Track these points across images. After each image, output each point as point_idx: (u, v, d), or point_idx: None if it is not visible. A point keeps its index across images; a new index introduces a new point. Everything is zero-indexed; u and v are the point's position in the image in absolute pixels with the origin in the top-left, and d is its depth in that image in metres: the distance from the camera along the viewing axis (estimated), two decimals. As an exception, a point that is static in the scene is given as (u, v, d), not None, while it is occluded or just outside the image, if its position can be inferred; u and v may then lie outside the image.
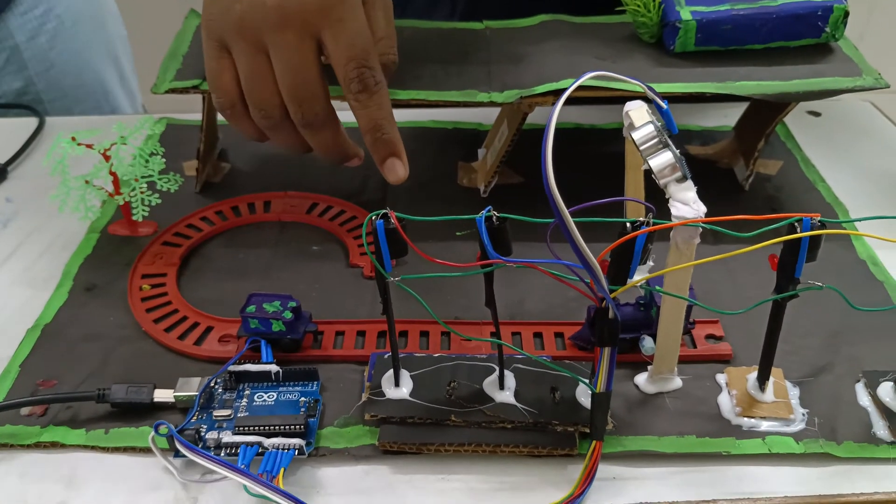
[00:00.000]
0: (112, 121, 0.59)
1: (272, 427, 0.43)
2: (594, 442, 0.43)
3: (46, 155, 0.56)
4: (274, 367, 0.47)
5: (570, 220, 0.35)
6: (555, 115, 0.35)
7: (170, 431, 0.42)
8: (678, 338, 0.45)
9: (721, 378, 0.48)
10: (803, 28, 0.58)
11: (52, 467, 0.44)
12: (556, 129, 0.76)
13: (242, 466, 0.41)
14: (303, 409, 0.45)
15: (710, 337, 0.51)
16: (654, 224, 0.39)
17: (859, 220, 0.42)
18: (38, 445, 0.44)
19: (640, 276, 0.42)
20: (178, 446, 0.42)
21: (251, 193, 0.64)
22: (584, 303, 0.48)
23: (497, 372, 0.45)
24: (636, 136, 0.42)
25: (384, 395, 0.45)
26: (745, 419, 0.45)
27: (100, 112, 0.93)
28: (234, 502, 0.41)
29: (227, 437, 0.43)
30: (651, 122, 0.42)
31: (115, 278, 0.56)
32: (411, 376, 0.46)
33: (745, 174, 0.65)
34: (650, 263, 0.55)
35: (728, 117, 0.73)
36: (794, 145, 0.73)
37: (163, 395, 0.46)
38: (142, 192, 0.58)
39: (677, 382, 0.47)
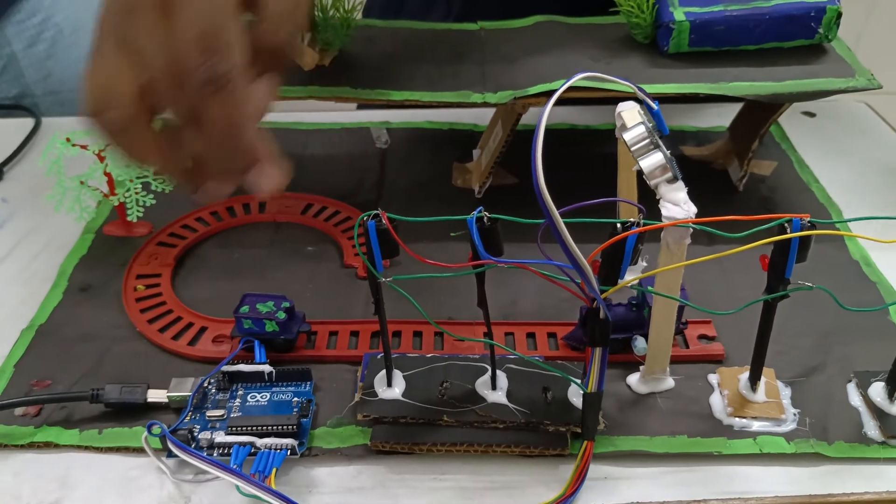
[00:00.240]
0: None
1: (265, 427, 0.43)
2: (586, 442, 0.43)
3: (42, 155, 0.56)
4: (267, 368, 0.47)
5: (560, 221, 0.35)
6: (544, 117, 0.35)
7: (162, 431, 0.42)
8: (670, 338, 0.46)
9: (713, 378, 0.48)
10: (796, 29, 0.59)
11: (46, 467, 0.44)
12: (551, 130, 0.76)
13: (235, 466, 0.41)
14: (296, 410, 0.45)
15: (702, 337, 0.51)
16: (645, 225, 0.39)
17: (851, 220, 0.42)
18: (32, 445, 0.45)
19: (632, 277, 0.42)
20: (171, 446, 0.42)
21: (246, 194, 0.64)
22: (577, 303, 0.48)
23: (489, 372, 0.45)
24: (627, 137, 0.42)
25: (377, 396, 0.45)
26: (737, 419, 0.45)
27: None
28: (226, 502, 0.41)
29: (220, 437, 0.43)
30: (642, 122, 0.42)
31: (109, 279, 0.56)
32: (404, 376, 0.46)
33: (739, 175, 0.66)
34: (643, 264, 0.55)
35: (722, 118, 0.73)
36: (789, 146, 0.73)
37: (156, 395, 0.46)
38: (136, 193, 0.58)
39: (669, 382, 0.48)
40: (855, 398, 0.47)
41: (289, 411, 0.45)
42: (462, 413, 0.44)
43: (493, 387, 0.45)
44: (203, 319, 0.52)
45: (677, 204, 0.40)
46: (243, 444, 0.43)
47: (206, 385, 0.47)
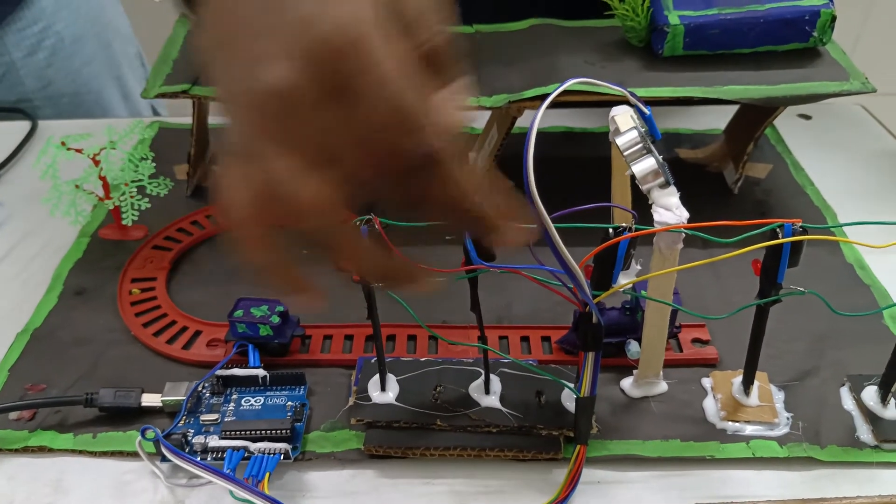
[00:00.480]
0: (104, 125, 0.59)
1: (259, 431, 0.43)
2: (578, 446, 0.43)
3: (36, 159, 0.56)
4: (261, 372, 0.47)
5: (552, 226, 0.35)
6: (535, 123, 0.36)
7: (157, 436, 0.42)
8: (663, 342, 0.46)
9: (706, 382, 0.48)
10: (791, 32, 0.59)
11: (40, 471, 0.44)
12: (547, 133, 0.76)
13: (228, 471, 0.41)
14: (289, 414, 0.45)
15: (696, 341, 0.51)
16: (637, 230, 0.39)
17: (844, 224, 0.42)
18: (27, 450, 0.45)
19: (626, 281, 0.42)
20: (165, 451, 0.42)
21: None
22: (571, 307, 0.48)
23: (483, 376, 0.45)
24: (620, 141, 0.42)
25: (370, 400, 0.45)
26: (730, 423, 0.45)
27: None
28: (219, 506, 0.42)
29: (214, 441, 0.43)
30: (635, 127, 0.42)
31: (105, 282, 0.56)
32: (398, 380, 0.46)
33: (735, 178, 0.66)
34: (637, 267, 0.55)
35: (718, 121, 0.73)
36: (784, 149, 0.73)
37: (150, 399, 0.46)
38: (132, 197, 0.58)
39: (663, 386, 0.48)
40: (848, 402, 0.47)
41: (282, 415, 0.45)
42: (455, 417, 0.44)
43: (487, 391, 0.45)
44: (198, 323, 0.52)
45: (669, 209, 0.40)
46: (237, 449, 0.43)
47: (200, 389, 0.47)
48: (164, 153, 0.66)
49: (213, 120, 0.69)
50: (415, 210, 0.33)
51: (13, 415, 0.46)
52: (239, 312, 0.48)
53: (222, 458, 0.43)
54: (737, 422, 0.45)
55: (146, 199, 0.58)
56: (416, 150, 0.29)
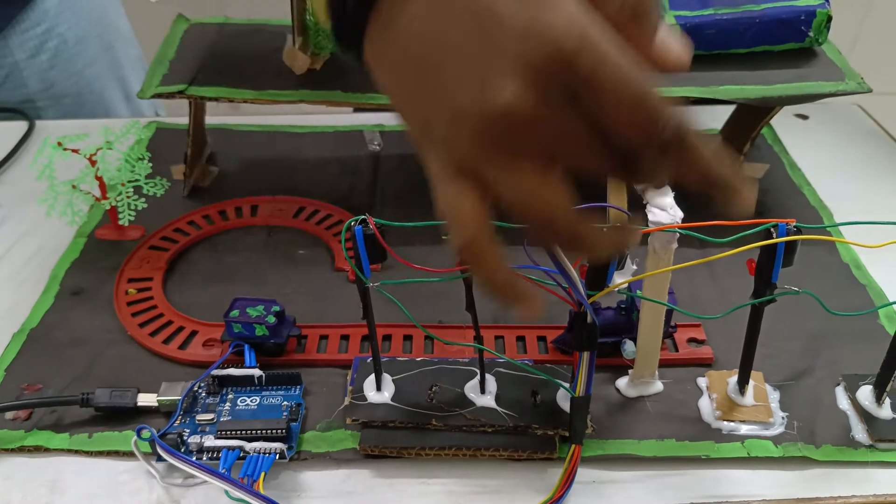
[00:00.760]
0: (101, 125, 0.59)
1: (254, 431, 0.43)
2: (573, 446, 0.43)
3: (33, 159, 0.56)
4: (257, 372, 0.47)
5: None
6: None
7: (152, 436, 0.43)
8: (658, 342, 0.46)
9: (702, 381, 0.48)
10: (787, 32, 0.59)
11: (36, 471, 0.44)
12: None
13: (223, 471, 0.42)
14: (285, 414, 0.45)
15: (691, 341, 0.51)
16: (631, 230, 0.39)
17: (839, 224, 0.42)
18: (22, 449, 0.45)
19: (621, 280, 0.42)
20: (160, 451, 0.42)
21: (239, 197, 0.64)
22: (567, 307, 0.48)
23: (479, 376, 0.45)
24: (614, 141, 0.42)
25: (366, 400, 0.45)
26: (725, 423, 0.45)
27: None
28: (215, 506, 0.42)
29: (210, 441, 0.43)
30: (630, 127, 0.42)
31: (101, 282, 0.56)
32: (393, 380, 0.46)
33: (731, 178, 0.66)
34: (633, 267, 0.55)
35: (716, 121, 0.73)
36: (781, 148, 0.73)
37: (146, 399, 0.46)
38: (128, 197, 0.58)
39: (658, 386, 0.48)
40: (843, 401, 0.47)
41: (278, 415, 0.45)
42: (451, 417, 0.44)
43: (482, 391, 0.45)
44: (194, 323, 0.52)
45: (664, 209, 0.40)
46: (232, 449, 0.43)
47: (196, 389, 0.47)
48: (160, 153, 0.66)
49: (209, 120, 0.70)
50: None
51: (9, 414, 0.46)
52: (235, 312, 0.49)
53: (218, 458, 0.43)
54: (732, 421, 0.45)
55: (143, 200, 0.58)
56: (662, 134, 0.29)
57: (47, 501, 0.42)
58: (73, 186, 0.57)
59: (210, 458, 0.43)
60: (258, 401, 0.46)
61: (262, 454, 0.43)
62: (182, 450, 0.43)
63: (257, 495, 0.40)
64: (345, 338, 0.51)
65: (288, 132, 0.75)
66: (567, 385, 0.43)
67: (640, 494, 0.43)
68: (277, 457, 0.43)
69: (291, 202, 0.64)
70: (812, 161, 0.71)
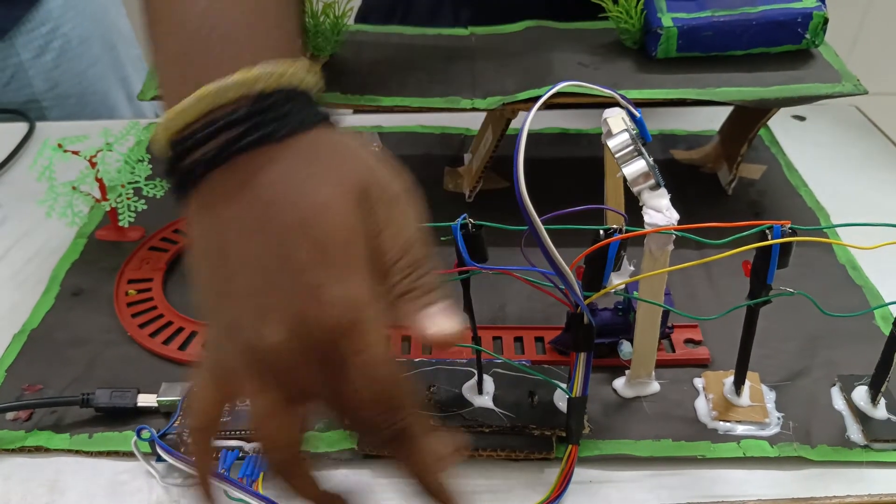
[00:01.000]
0: (101, 127, 0.60)
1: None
2: (570, 446, 0.43)
3: (33, 161, 0.57)
4: (256, 372, 0.47)
5: (542, 229, 0.36)
6: (525, 128, 0.36)
7: (152, 436, 0.43)
8: (655, 342, 0.46)
9: (698, 382, 0.49)
10: (783, 35, 0.59)
11: (36, 471, 0.44)
12: (543, 134, 0.76)
13: (222, 471, 0.42)
14: (284, 414, 0.45)
15: (688, 341, 0.51)
16: (627, 231, 0.39)
17: (835, 226, 0.42)
18: (23, 450, 0.45)
19: (619, 281, 0.42)
20: (160, 451, 0.42)
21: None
22: (565, 308, 0.48)
23: (476, 376, 0.46)
24: (611, 144, 0.42)
25: (364, 400, 0.45)
26: (721, 423, 0.46)
27: None
28: (214, 506, 0.42)
29: (209, 441, 0.44)
30: (626, 130, 0.43)
31: (101, 283, 0.56)
32: (391, 381, 0.46)
33: (729, 179, 0.66)
34: (630, 268, 0.55)
35: (714, 122, 0.74)
36: (779, 150, 0.73)
37: (146, 399, 0.46)
38: (128, 198, 0.58)
39: (655, 387, 0.48)
40: (838, 402, 0.47)
41: (277, 416, 0.45)
42: (449, 417, 0.44)
43: (480, 391, 0.46)
44: (194, 324, 0.52)
45: (660, 210, 0.40)
46: (231, 449, 0.43)
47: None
48: (160, 155, 0.66)
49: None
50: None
51: (10, 415, 0.46)
52: (234, 313, 0.49)
53: (217, 458, 0.43)
54: (728, 422, 0.46)
55: (143, 201, 0.59)
56: (390, 428, 0.32)
57: (47, 501, 0.43)
58: (74, 188, 0.57)
59: (209, 459, 0.43)
60: (257, 401, 0.46)
61: (261, 454, 0.43)
62: (182, 450, 0.44)
63: (256, 495, 0.40)
64: (343, 338, 0.51)
65: (287, 133, 0.75)
66: (564, 386, 0.43)
67: (636, 494, 0.43)
68: (276, 457, 0.43)
69: (290, 203, 0.64)
70: (809, 162, 0.71)
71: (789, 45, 0.60)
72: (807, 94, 0.56)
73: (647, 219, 0.40)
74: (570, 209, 0.40)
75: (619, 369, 0.49)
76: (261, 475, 0.42)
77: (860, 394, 0.47)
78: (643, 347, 0.46)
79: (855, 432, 0.45)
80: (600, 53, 0.62)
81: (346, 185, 0.32)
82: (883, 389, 0.45)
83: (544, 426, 0.44)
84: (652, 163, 0.41)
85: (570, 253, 0.38)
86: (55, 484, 0.43)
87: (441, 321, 0.32)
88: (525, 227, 0.37)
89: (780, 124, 0.77)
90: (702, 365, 0.50)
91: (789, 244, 0.40)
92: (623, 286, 0.48)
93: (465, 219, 0.39)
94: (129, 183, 0.58)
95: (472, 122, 0.73)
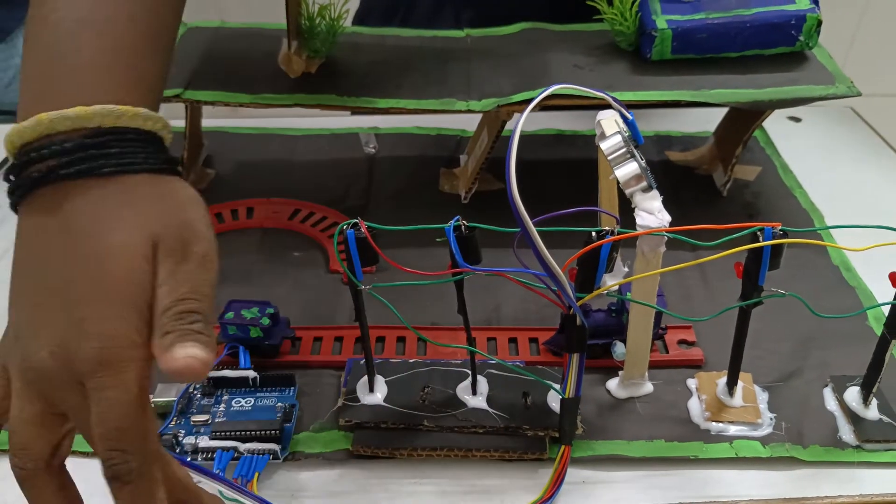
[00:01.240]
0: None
1: (248, 432, 0.44)
2: (563, 446, 0.43)
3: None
4: (251, 373, 0.47)
5: (534, 230, 0.36)
6: (517, 131, 0.36)
7: (147, 436, 0.43)
8: (648, 343, 0.46)
9: (692, 383, 0.49)
10: (778, 37, 0.59)
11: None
12: (538, 136, 0.77)
13: (218, 471, 0.42)
14: (279, 415, 0.46)
15: (682, 342, 0.51)
16: (620, 233, 0.40)
17: (829, 227, 0.43)
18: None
19: (613, 282, 0.43)
20: (155, 451, 0.43)
21: (235, 200, 0.65)
22: (560, 309, 0.49)
23: (470, 377, 0.46)
24: (604, 146, 0.43)
25: (359, 401, 0.46)
26: (714, 423, 0.46)
27: None
28: (209, 506, 0.42)
29: (204, 441, 0.44)
30: (619, 132, 0.43)
31: (98, 284, 0.56)
32: (386, 382, 0.47)
33: (724, 180, 0.66)
34: (625, 269, 0.55)
35: (709, 123, 0.74)
36: (774, 151, 0.73)
37: (142, 400, 0.46)
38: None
39: (648, 387, 0.48)
40: (831, 402, 0.48)
41: (272, 416, 0.45)
42: (443, 418, 0.45)
43: (474, 392, 0.46)
44: (189, 325, 0.52)
45: (651, 212, 0.40)
46: (226, 449, 0.43)
47: (191, 390, 0.47)
48: (157, 156, 0.66)
49: (205, 122, 0.70)
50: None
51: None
52: (230, 314, 0.49)
53: (212, 459, 0.43)
54: (721, 422, 0.46)
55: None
56: (120, 465, 0.33)
57: (44, 501, 0.43)
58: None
59: (205, 459, 0.44)
60: (253, 402, 0.47)
61: (256, 455, 0.43)
62: (177, 451, 0.44)
63: (251, 495, 0.41)
64: (339, 339, 0.52)
65: (284, 135, 0.76)
66: (557, 386, 0.44)
67: (629, 494, 0.43)
68: (271, 457, 0.43)
69: (287, 204, 0.64)
70: (804, 164, 0.72)
71: (783, 47, 0.60)
72: (800, 95, 0.57)
73: (638, 221, 0.40)
74: (563, 211, 0.40)
75: (613, 370, 0.49)
76: (255, 475, 0.42)
77: (852, 394, 0.47)
78: (636, 348, 0.46)
79: (847, 433, 0.46)
80: (595, 55, 0.62)
81: (143, 234, 0.34)
82: (874, 390, 0.46)
83: (538, 427, 0.44)
84: (644, 165, 0.41)
85: (563, 254, 0.39)
86: (51, 484, 0.43)
87: (190, 349, 0.33)
88: (517, 230, 0.38)
89: (775, 126, 0.77)
90: (695, 366, 0.50)
91: (780, 246, 0.40)
92: (616, 287, 0.48)
93: (458, 221, 0.40)
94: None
95: (468, 123, 0.74)
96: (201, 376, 0.33)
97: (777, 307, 0.46)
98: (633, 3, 0.60)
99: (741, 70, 0.59)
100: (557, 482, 0.43)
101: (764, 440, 0.45)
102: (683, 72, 0.59)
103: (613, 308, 0.50)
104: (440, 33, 0.68)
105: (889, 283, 0.42)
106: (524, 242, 0.37)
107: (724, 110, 0.70)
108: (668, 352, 0.51)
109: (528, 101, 0.55)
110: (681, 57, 0.60)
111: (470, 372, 0.46)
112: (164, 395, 0.47)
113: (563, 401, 0.43)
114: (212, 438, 0.44)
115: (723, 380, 0.47)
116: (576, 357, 0.42)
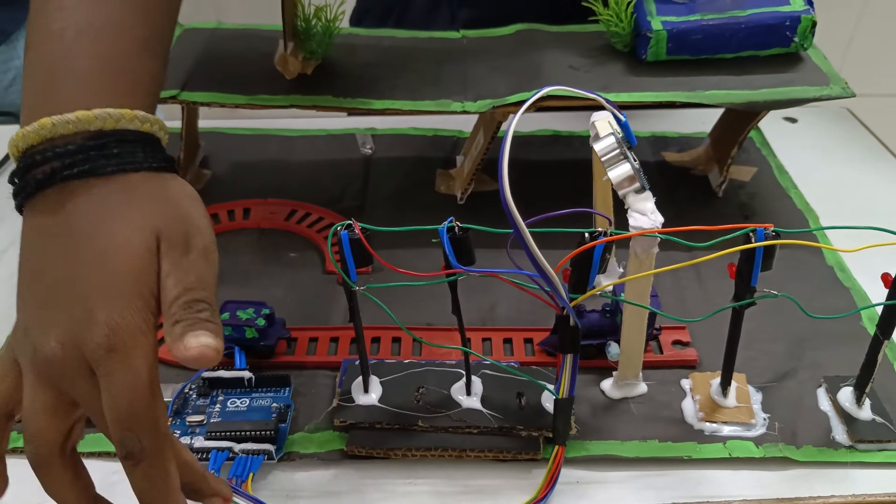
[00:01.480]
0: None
1: (243, 432, 0.44)
2: (557, 446, 0.44)
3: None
4: (247, 374, 0.47)
5: (527, 232, 0.36)
6: (510, 132, 0.36)
7: (142, 437, 0.43)
8: (641, 344, 0.46)
9: (686, 383, 0.49)
10: (772, 38, 0.59)
11: (29, 472, 0.44)
12: (534, 137, 0.77)
13: (212, 471, 0.42)
14: (274, 415, 0.46)
15: (676, 343, 0.51)
16: (612, 234, 0.40)
17: (822, 228, 0.43)
18: (16, 450, 0.45)
19: (607, 283, 0.43)
20: (150, 451, 0.43)
21: (231, 201, 0.65)
22: (554, 309, 0.49)
23: (465, 378, 0.46)
24: (597, 147, 0.43)
25: (354, 401, 0.46)
26: (708, 424, 0.46)
27: None
28: (204, 506, 0.42)
29: (199, 442, 0.44)
30: (612, 133, 0.43)
31: (94, 285, 0.56)
32: (381, 382, 0.47)
33: (719, 181, 0.66)
34: (619, 270, 0.56)
35: (705, 124, 0.74)
36: (769, 152, 0.74)
37: (137, 400, 0.46)
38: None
39: (642, 388, 0.48)
40: (824, 403, 0.48)
41: (267, 417, 0.46)
42: (437, 418, 0.45)
43: (468, 392, 0.46)
44: (185, 326, 0.53)
45: (644, 213, 0.40)
46: (221, 450, 0.43)
47: (186, 391, 0.47)
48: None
49: (202, 123, 0.70)
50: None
51: (2, 416, 0.47)
52: (225, 315, 0.49)
53: (207, 459, 0.43)
54: (714, 422, 0.46)
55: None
56: (134, 443, 0.34)
57: (39, 502, 0.43)
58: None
59: (200, 459, 0.44)
60: (248, 402, 0.47)
61: (250, 455, 0.43)
62: (172, 451, 0.44)
63: (246, 496, 0.41)
64: (334, 340, 0.52)
65: (280, 135, 0.76)
66: (551, 387, 0.44)
67: (623, 494, 0.43)
68: (266, 458, 0.44)
69: (283, 205, 0.64)
70: (800, 164, 0.72)
71: (778, 48, 0.60)
72: (795, 96, 0.57)
73: (631, 222, 0.40)
74: (557, 212, 0.40)
75: (607, 370, 0.49)
76: (250, 476, 0.42)
77: (845, 395, 0.47)
78: (630, 349, 0.47)
79: (840, 433, 0.46)
80: (591, 56, 0.63)
81: (146, 229, 0.36)
82: (868, 390, 0.46)
83: (532, 427, 0.44)
84: (637, 166, 0.41)
85: (557, 255, 0.39)
86: (47, 484, 0.44)
87: (203, 338, 0.34)
88: (510, 231, 0.38)
89: (771, 126, 0.77)
90: (689, 366, 0.50)
91: (773, 247, 0.40)
92: (610, 288, 0.48)
93: (451, 222, 0.40)
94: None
95: (464, 124, 0.74)
96: (214, 363, 0.34)
97: (771, 308, 0.46)
98: (628, 5, 0.60)
99: (736, 71, 0.59)
100: (551, 482, 0.43)
101: (757, 440, 0.45)
102: (679, 73, 0.60)
103: (608, 309, 0.50)
104: (436, 34, 0.68)
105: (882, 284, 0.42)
106: (518, 243, 0.37)
107: (720, 111, 0.70)
108: (662, 352, 0.51)
109: (524, 102, 0.56)
110: (676, 58, 0.60)
111: (464, 372, 0.46)
112: (160, 395, 0.47)
113: (556, 401, 0.43)
114: (207, 439, 0.44)
115: (716, 380, 0.48)
116: (569, 358, 0.42)
